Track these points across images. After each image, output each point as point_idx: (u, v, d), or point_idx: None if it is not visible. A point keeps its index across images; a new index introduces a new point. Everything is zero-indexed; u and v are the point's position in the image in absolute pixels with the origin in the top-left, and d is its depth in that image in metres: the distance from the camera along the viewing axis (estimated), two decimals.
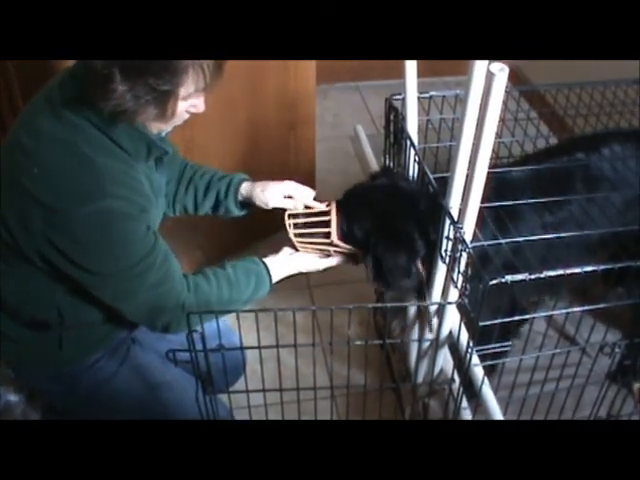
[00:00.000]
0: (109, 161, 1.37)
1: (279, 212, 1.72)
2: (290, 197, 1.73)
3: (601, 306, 1.51)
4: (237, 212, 1.79)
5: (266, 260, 1.63)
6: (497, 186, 1.69)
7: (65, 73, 1.40)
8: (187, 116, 1.43)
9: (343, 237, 1.66)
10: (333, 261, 1.70)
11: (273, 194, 1.72)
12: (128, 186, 1.39)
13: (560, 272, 1.42)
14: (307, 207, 1.72)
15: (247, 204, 1.78)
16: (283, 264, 1.65)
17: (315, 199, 1.74)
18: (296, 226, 1.67)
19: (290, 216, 1.68)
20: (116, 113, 1.31)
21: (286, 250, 1.68)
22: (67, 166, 1.33)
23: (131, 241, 1.40)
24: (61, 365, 1.61)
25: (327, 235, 1.65)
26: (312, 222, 1.67)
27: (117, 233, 1.37)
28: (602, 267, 1.44)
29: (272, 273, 1.62)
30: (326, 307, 1.37)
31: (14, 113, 2.00)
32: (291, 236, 1.65)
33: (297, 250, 1.67)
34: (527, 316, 1.54)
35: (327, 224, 1.65)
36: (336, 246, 1.66)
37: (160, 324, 1.50)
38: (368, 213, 1.66)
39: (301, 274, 1.70)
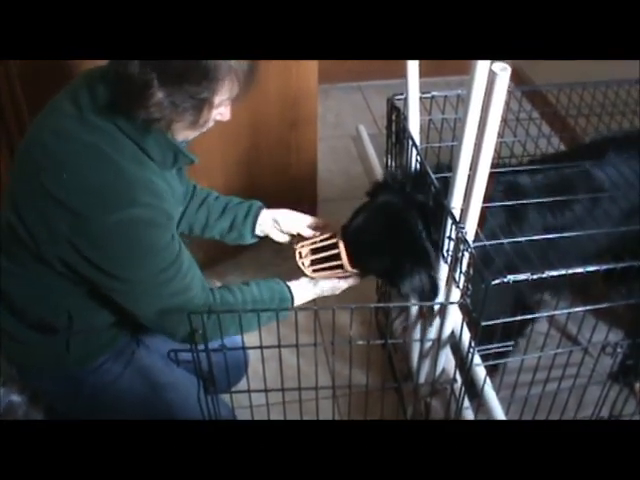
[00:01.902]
0: (137, 168, 1.37)
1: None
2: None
3: (603, 306, 1.51)
4: (249, 239, 1.80)
5: (289, 283, 1.63)
6: (504, 192, 1.70)
7: (94, 75, 1.38)
8: (212, 123, 1.44)
9: (355, 265, 1.66)
10: (354, 281, 1.70)
11: (288, 224, 1.78)
12: (155, 194, 1.39)
13: (562, 272, 1.42)
14: (312, 239, 1.73)
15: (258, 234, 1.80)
16: (305, 288, 1.66)
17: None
18: (308, 263, 1.68)
19: (300, 254, 1.68)
20: (151, 120, 1.32)
21: (301, 280, 1.68)
22: (96, 173, 1.33)
23: (158, 249, 1.40)
24: (67, 367, 1.61)
25: (340, 266, 1.65)
26: (323, 257, 1.67)
27: (145, 240, 1.37)
28: (604, 267, 1.44)
29: (295, 295, 1.62)
30: (328, 307, 1.37)
31: (19, 122, 2.00)
32: (307, 272, 1.66)
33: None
34: (529, 316, 1.54)
35: (337, 257, 1.65)
36: (352, 270, 1.67)
37: (181, 333, 1.48)
38: (374, 243, 1.65)
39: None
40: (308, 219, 1.79)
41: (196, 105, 1.32)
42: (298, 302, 1.64)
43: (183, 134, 1.43)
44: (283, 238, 1.81)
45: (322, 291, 1.68)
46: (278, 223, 1.78)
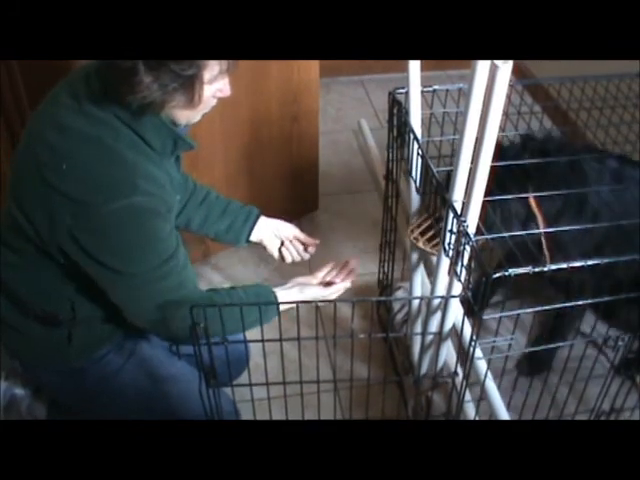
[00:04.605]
0: (137, 157, 1.37)
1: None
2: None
3: (605, 299, 1.51)
4: (243, 243, 1.85)
5: (275, 289, 1.62)
6: None
7: (90, 69, 1.39)
8: (214, 102, 1.43)
9: None
10: (340, 291, 1.68)
11: (284, 230, 1.86)
12: (155, 182, 1.39)
13: (564, 265, 1.42)
14: (418, 222, 1.80)
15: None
16: (290, 295, 1.63)
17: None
18: (424, 243, 1.75)
19: (416, 239, 1.76)
20: (144, 105, 1.31)
21: (295, 280, 1.68)
22: (97, 162, 1.33)
23: (157, 240, 1.40)
24: (70, 360, 1.61)
25: None
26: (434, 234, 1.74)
27: (145, 230, 1.37)
28: (606, 261, 1.44)
29: (280, 300, 1.60)
30: (329, 300, 1.37)
31: (20, 113, 2.00)
32: (428, 250, 1.75)
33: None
34: (530, 310, 1.54)
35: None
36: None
37: (172, 331, 1.48)
38: None
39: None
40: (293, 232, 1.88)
41: (185, 83, 1.31)
42: (282, 307, 1.60)
43: (184, 116, 1.43)
44: (274, 246, 1.86)
45: (309, 295, 1.64)
46: (275, 229, 1.85)
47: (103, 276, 1.42)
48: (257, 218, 1.82)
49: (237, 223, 1.80)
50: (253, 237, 1.83)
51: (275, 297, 1.60)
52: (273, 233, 1.85)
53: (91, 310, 1.55)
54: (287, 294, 1.62)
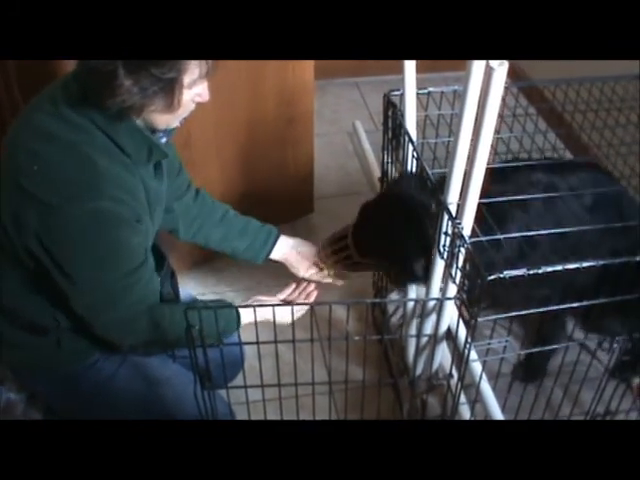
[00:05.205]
0: (110, 164, 1.36)
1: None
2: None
3: (600, 301, 1.51)
4: (260, 261, 1.88)
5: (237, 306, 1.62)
6: None
7: (68, 75, 1.39)
8: (193, 106, 1.43)
9: (362, 255, 1.78)
10: (299, 311, 1.71)
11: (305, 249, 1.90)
12: (127, 190, 1.38)
13: (559, 267, 1.42)
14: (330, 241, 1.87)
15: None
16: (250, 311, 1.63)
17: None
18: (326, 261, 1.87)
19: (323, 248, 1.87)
20: (124, 109, 1.31)
21: (255, 298, 1.71)
22: (67, 165, 1.33)
23: (122, 249, 1.39)
24: (60, 367, 1.61)
25: (350, 256, 1.79)
26: (336, 249, 1.83)
27: (109, 237, 1.37)
28: (601, 263, 1.44)
29: (241, 316, 1.62)
30: (324, 302, 1.36)
31: (16, 115, 2.00)
32: (326, 270, 1.88)
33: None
34: (524, 312, 1.54)
35: (347, 248, 1.80)
36: (360, 262, 1.80)
37: (130, 342, 1.52)
38: (377, 233, 1.74)
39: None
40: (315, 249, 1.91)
41: (165, 87, 1.31)
42: (244, 322, 1.63)
43: (163, 120, 1.42)
44: (300, 264, 1.88)
45: (268, 315, 1.62)
46: (295, 247, 1.88)
47: (63, 283, 1.41)
48: (277, 238, 1.85)
49: (257, 243, 1.83)
50: (274, 255, 1.86)
51: (237, 311, 1.61)
52: (295, 251, 1.87)
53: (74, 319, 1.53)
54: (246, 310, 1.63)
